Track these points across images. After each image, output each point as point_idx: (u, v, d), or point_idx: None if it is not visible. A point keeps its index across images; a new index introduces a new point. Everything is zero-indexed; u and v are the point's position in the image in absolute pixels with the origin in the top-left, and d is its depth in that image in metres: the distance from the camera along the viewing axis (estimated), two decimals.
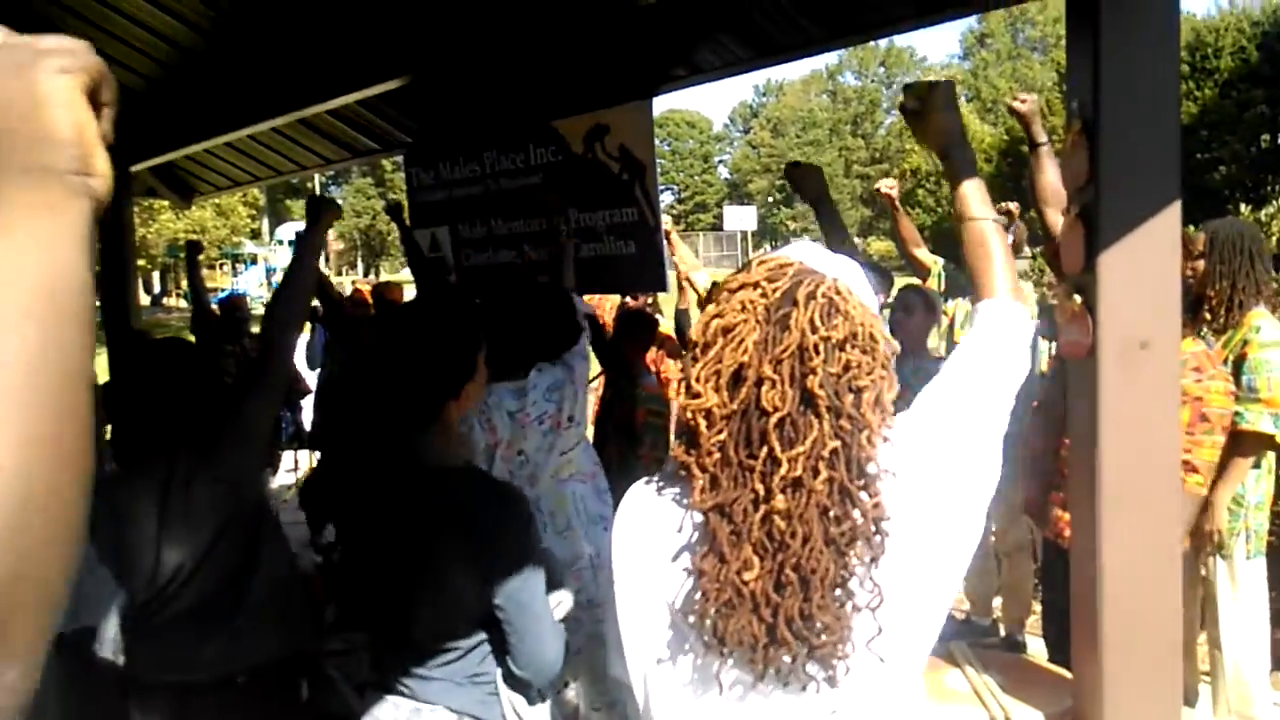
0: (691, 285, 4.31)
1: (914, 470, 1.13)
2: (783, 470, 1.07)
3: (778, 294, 1.13)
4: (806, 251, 1.22)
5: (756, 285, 1.15)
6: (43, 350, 0.47)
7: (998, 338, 1.30)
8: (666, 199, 56.61)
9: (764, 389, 1.09)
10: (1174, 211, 1.76)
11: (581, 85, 3.92)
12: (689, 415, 1.14)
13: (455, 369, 1.73)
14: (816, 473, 1.07)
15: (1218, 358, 2.71)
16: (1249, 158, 27.57)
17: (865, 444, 1.09)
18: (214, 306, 5.54)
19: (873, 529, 1.08)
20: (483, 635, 1.71)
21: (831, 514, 1.08)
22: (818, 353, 1.09)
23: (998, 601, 4.34)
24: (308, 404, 5.98)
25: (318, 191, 41.57)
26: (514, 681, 1.71)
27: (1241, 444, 2.78)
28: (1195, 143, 25.48)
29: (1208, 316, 2.99)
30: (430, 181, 4.76)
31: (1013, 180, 35.65)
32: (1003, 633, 4.16)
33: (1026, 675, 2.12)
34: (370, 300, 5.45)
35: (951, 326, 4.46)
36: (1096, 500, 1.78)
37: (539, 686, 1.74)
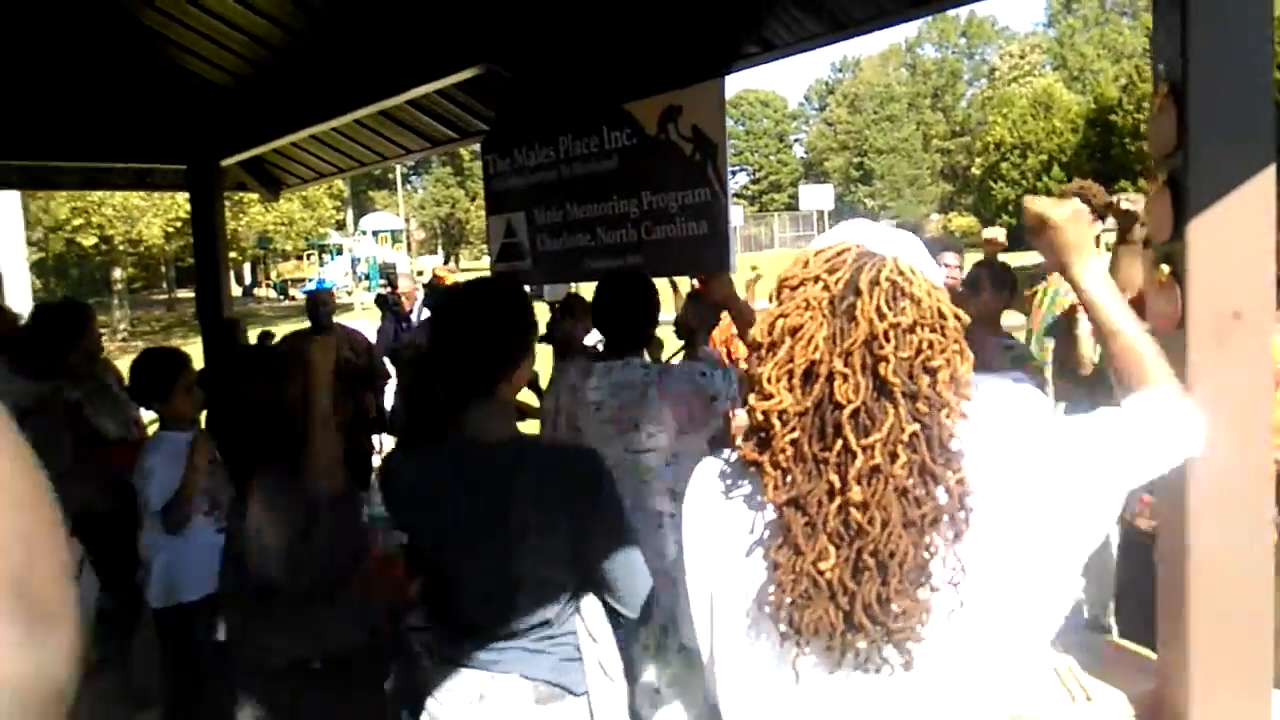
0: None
1: (1018, 470, 1.11)
2: (859, 461, 1.06)
3: (840, 284, 1.12)
4: (862, 231, 1.20)
5: (818, 279, 1.14)
6: None
7: (1167, 423, 1.24)
8: (741, 179, 56.17)
9: (836, 383, 1.09)
10: (1268, 176, 1.69)
11: (653, 66, 3.93)
12: (761, 416, 1.13)
13: (511, 343, 1.76)
14: (895, 457, 1.07)
15: None
16: None
17: (944, 422, 1.08)
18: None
19: (958, 505, 1.07)
20: (559, 601, 1.75)
21: (911, 496, 1.07)
22: (888, 340, 1.08)
23: (1081, 583, 4.23)
24: (390, 388, 6.14)
25: (398, 181, 42.41)
26: (614, 620, 1.76)
27: None
28: None
29: None
30: (506, 168, 4.82)
31: (1100, 150, 34.52)
32: (1086, 614, 4.06)
33: (1107, 655, 2.07)
34: (447, 282, 5.56)
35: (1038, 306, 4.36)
36: (1185, 479, 1.73)
37: (639, 619, 1.80)
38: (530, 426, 3.25)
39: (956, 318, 1.14)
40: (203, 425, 2.73)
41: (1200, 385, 1.71)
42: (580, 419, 2.66)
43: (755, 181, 56.16)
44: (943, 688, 1.15)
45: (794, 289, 1.15)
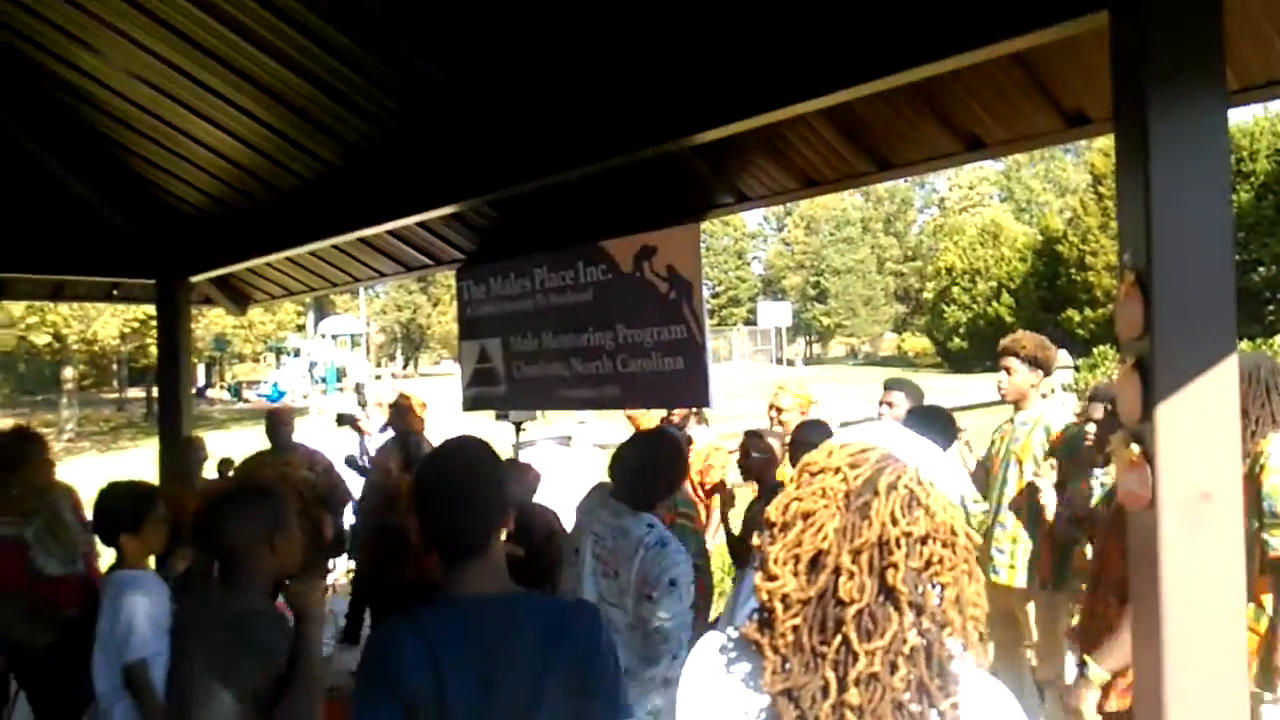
0: None
1: None
2: (860, 665, 1.06)
3: (859, 481, 1.13)
4: (889, 435, 1.22)
5: (837, 470, 1.15)
6: None
7: None
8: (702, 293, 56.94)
9: (842, 579, 1.09)
10: (1232, 361, 1.78)
11: (632, 209, 4.05)
12: (765, 596, 1.13)
13: (501, 499, 1.80)
14: (895, 668, 1.06)
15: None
16: None
17: (945, 642, 1.08)
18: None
19: None
20: None
21: (906, 710, 1.06)
22: (899, 546, 1.08)
23: None
24: (349, 509, 6.02)
25: (361, 287, 42.42)
26: None
27: (1275, 572, 2.72)
28: (1234, 249, 25.48)
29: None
30: (482, 295, 4.88)
31: (1047, 279, 35.80)
32: None
33: None
34: (414, 405, 5.53)
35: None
36: (1161, 654, 1.75)
37: None
38: None
39: (968, 537, 1.16)
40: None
41: (1173, 562, 1.76)
42: (581, 543, 2.67)
43: (715, 296, 57.18)
44: None
45: (813, 475, 1.16)
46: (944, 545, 1.11)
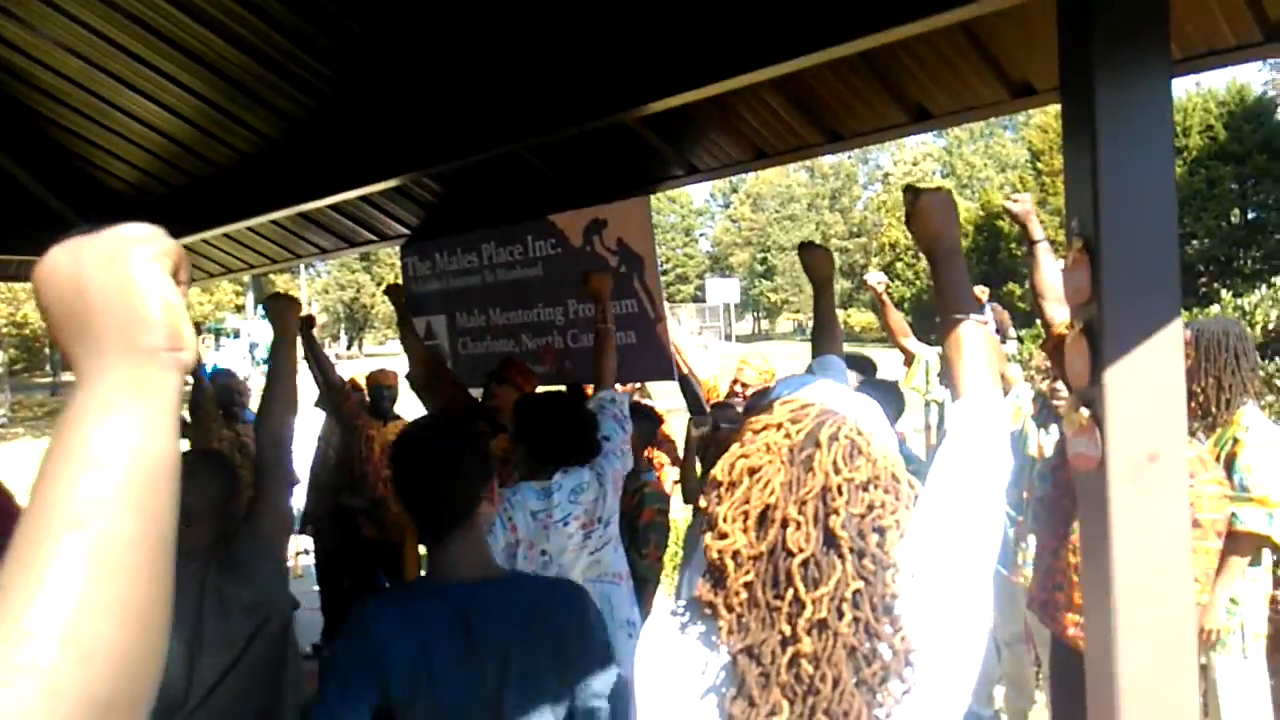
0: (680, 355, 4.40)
1: (925, 591, 1.14)
2: (807, 612, 1.08)
3: (801, 435, 1.16)
4: (827, 392, 1.25)
5: (780, 426, 1.18)
6: (140, 525, 0.51)
7: (970, 439, 1.32)
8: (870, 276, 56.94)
9: (789, 530, 1.11)
10: (1177, 325, 1.81)
11: (580, 183, 4.00)
12: (715, 555, 1.14)
13: (482, 477, 1.79)
14: (841, 614, 1.08)
15: (1210, 458, 2.74)
16: (1220, 232, 28.23)
17: (889, 582, 1.11)
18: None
19: (904, 663, 1.10)
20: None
21: (860, 654, 1.09)
22: (841, 493, 1.11)
23: (999, 690, 4.30)
24: (299, 489, 5.92)
25: (301, 265, 41.65)
26: None
27: (1238, 543, 2.80)
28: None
29: (1197, 414, 3.03)
30: (427, 271, 4.80)
31: (989, 254, 36.45)
32: None
33: None
34: (364, 387, 5.44)
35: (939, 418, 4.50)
36: (1111, 611, 1.79)
37: None
38: None
39: (910, 485, 1.18)
40: None
41: (1121, 523, 1.80)
42: (547, 541, 2.61)
43: (664, 273, 57.22)
44: None
45: (757, 432, 1.18)
46: (885, 491, 1.14)
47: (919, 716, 1.11)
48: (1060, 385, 3.43)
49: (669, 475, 4.40)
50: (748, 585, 1.12)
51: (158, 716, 0.54)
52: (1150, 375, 1.80)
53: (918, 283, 38.55)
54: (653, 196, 3.89)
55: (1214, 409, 2.97)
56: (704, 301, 47.43)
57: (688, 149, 3.61)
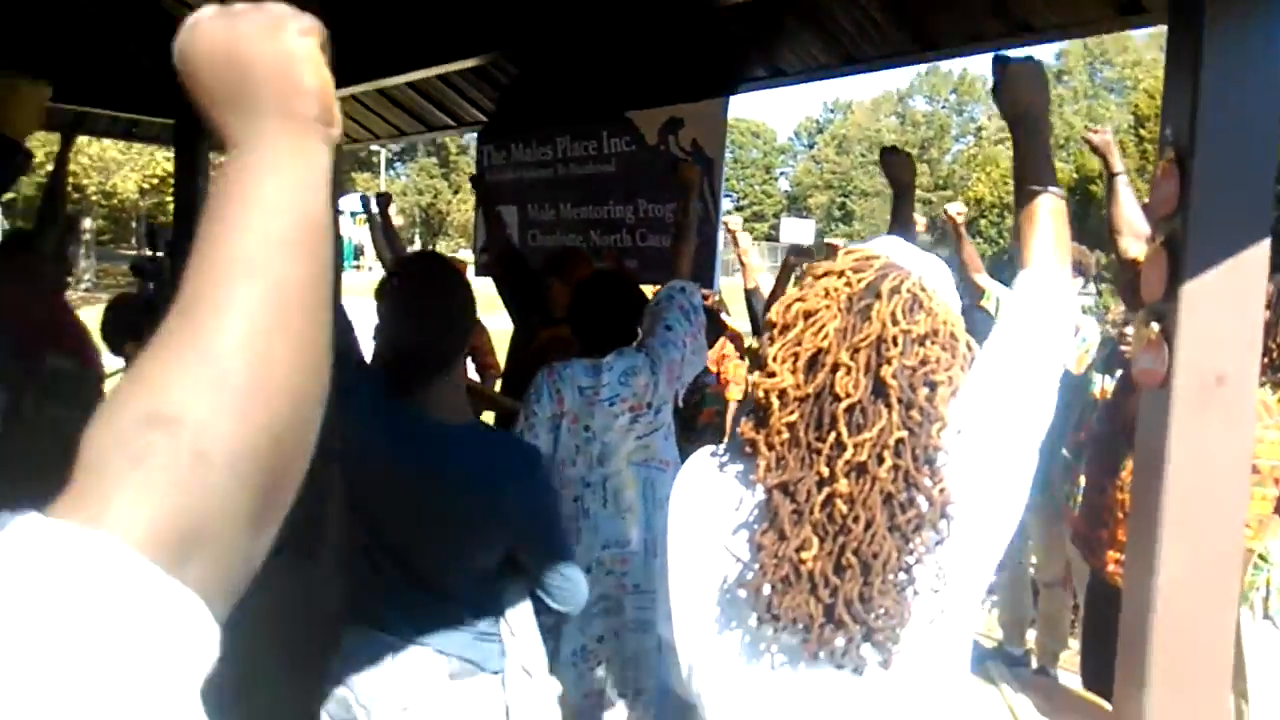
0: (746, 268, 4.40)
1: (969, 449, 1.13)
2: (848, 454, 1.08)
3: (862, 284, 1.15)
4: (894, 247, 1.24)
5: (841, 274, 1.17)
6: (310, 273, 0.55)
7: (1035, 308, 1.29)
8: (725, 205, 56.43)
9: (839, 375, 1.11)
10: (1262, 248, 1.73)
11: (660, 78, 3.93)
12: (761, 394, 1.16)
13: (468, 317, 1.80)
14: (881, 460, 1.09)
15: (1275, 405, 2.63)
16: None
17: (934, 435, 1.11)
18: None
19: (939, 515, 1.10)
20: (483, 584, 1.76)
21: (896, 501, 1.09)
22: (896, 344, 1.11)
23: (1031, 634, 4.28)
24: None
25: (382, 165, 42.05)
26: (544, 614, 1.80)
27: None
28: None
29: (1267, 368, 2.92)
30: (501, 161, 4.80)
31: (1081, 219, 35.09)
32: (1034, 665, 4.10)
33: (1062, 701, 2.10)
34: None
35: None
36: (1157, 532, 1.75)
37: (572, 613, 1.87)
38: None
39: (968, 346, 1.17)
40: None
41: (1181, 445, 1.74)
42: (592, 418, 2.64)
43: (739, 209, 56.55)
44: (917, 687, 1.16)
45: (817, 278, 1.18)
46: (942, 348, 1.13)
47: (949, 569, 1.11)
48: (1129, 330, 3.34)
49: (736, 371, 4.42)
50: (790, 425, 1.13)
51: None
52: (1228, 295, 1.73)
53: (1000, 241, 37.48)
54: (735, 129, 3.81)
55: None
56: (776, 241, 46.82)
57: (773, 49, 3.51)
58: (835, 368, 1.11)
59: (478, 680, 1.74)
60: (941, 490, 1.10)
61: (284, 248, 0.54)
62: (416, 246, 49.53)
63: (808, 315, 1.15)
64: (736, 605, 1.21)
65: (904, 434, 1.09)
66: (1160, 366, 1.76)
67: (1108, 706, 1.96)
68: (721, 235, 4.00)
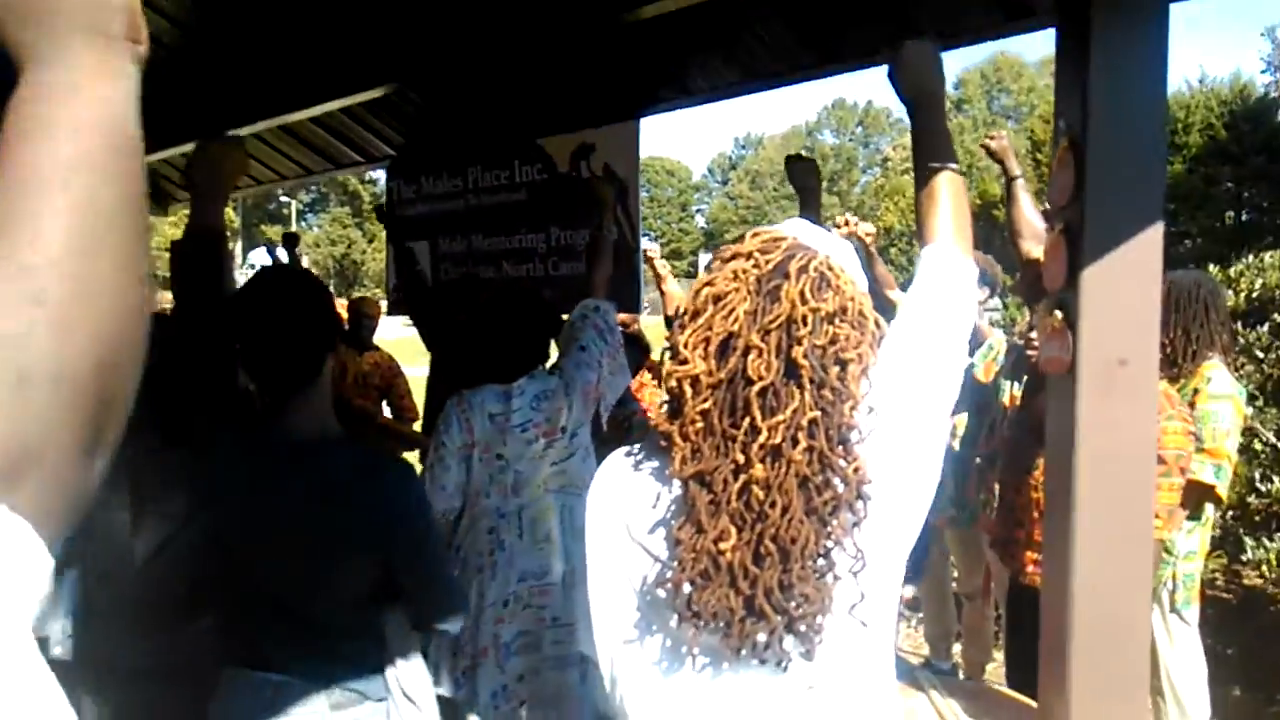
0: (666, 296, 4.40)
1: (882, 427, 1.12)
2: (762, 438, 1.06)
3: (770, 265, 1.13)
4: (800, 228, 1.23)
5: (749, 255, 1.16)
6: (121, 190, 0.53)
7: (939, 281, 1.30)
8: (643, 244, 57.03)
9: (750, 358, 1.09)
10: (1156, 231, 1.78)
11: (570, 103, 3.93)
12: (674, 383, 1.13)
13: (331, 325, 1.75)
14: (796, 442, 1.07)
15: (1176, 396, 2.71)
16: (1215, 233, 28.27)
17: (847, 414, 1.09)
18: None
19: (855, 495, 1.08)
20: (360, 610, 1.70)
21: (812, 484, 1.07)
22: (805, 324, 1.09)
23: (957, 647, 4.31)
24: None
25: (293, 217, 41.41)
26: (425, 629, 1.78)
27: (1191, 494, 2.78)
28: (1164, 216, 26.16)
29: (1164, 364, 3.01)
30: (411, 195, 4.73)
31: (986, 243, 36.30)
32: (962, 677, 4.12)
33: (989, 701, 2.09)
34: (344, 315, 5.38)
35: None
36: (1071, 516, 1.76)
37: (450, 629, 1.81)
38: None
39: (876, 324, 1.16)
40: None
41: (1089, 429, 1.77)
42: (504, 446, 2.56)
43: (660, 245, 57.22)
44: (842, 677, 1.13)
45: (725, 261, 1.16)
46: (852, 326, 1.12)
47: (868, 551, 1.09)
48: (1035, 335, 3.42)
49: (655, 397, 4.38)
50: (704, 413, 1.10)
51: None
52: (1126, 279, 1.76)
53: (909, 268, 38.52)
54: (651, 168, 3.85)
55: (1180, 360, 2.96)
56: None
57: (681, 69, 3.55)
58: (747, 350, 1.09)
59: (362, 709, 1.67)
60: (856, 470, 1.08)
61: (95, 168, 0.52)
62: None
63: (717, 299, 1.13)
64: (657, 608, 1.17)
65: (817, 414, 1.08)
66: (1065, 354, 1.79)
67: (1034, 704, 1.96)
68: (642, 264, 3.99)
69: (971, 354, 3.78)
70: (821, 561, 1.08)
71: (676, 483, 1.14)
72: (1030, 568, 2.71)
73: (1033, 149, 34.72)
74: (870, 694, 1.15)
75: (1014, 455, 2.92)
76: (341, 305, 5.46)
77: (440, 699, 1.81)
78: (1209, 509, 2.95)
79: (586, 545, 1.24)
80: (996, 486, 3.47)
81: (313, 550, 1.63)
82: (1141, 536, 1.82)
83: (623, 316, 4.68)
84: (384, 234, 4.87)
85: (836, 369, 1.10)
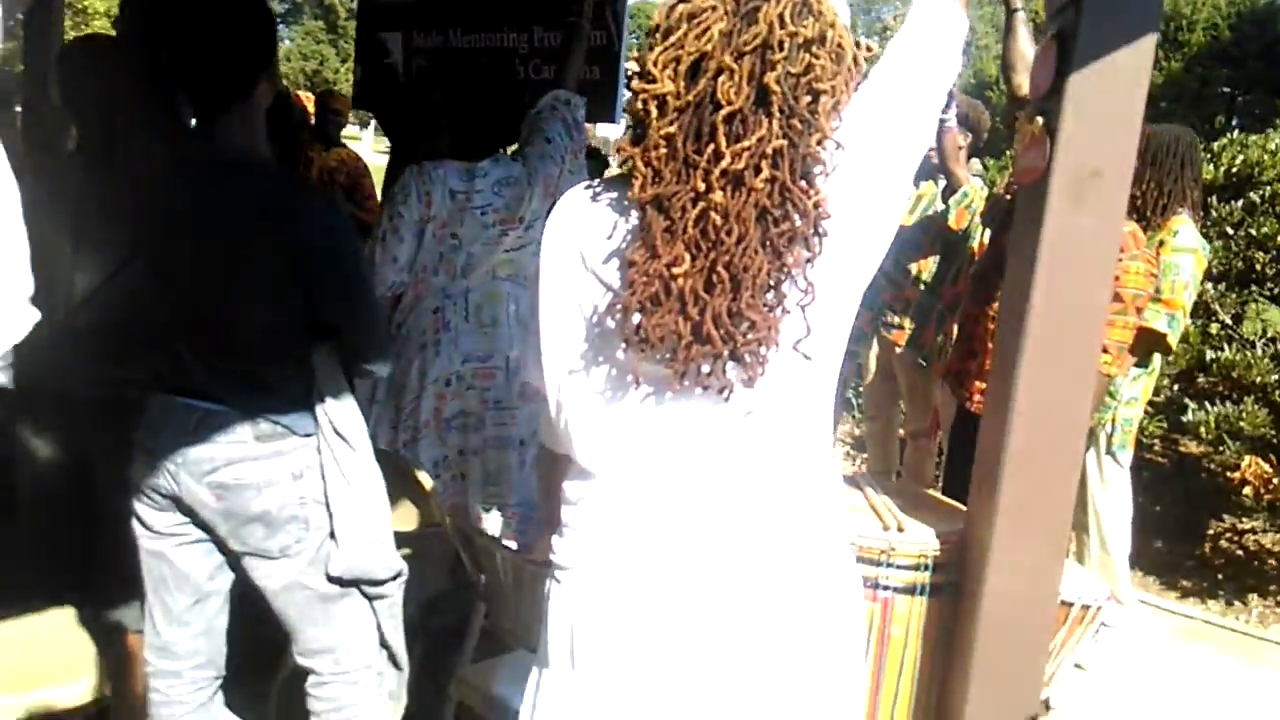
0: None
1: (847, 165, 1.11)
2: (724, 164, 1.04)
3: None
4: None
5: None
6: None
7: (926, 31, 1.27)
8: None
9: (721, 80, 1.06)
10: (1149, 42, 1.74)
11: None
12: (640, 104, 1.11)
13: (262, 45, 1.66)
14: (758, 170, 1.05)
15: (1142, 236, 2.72)
16: (1204, 134, 27.96)
17: (814, 146, 1.07)
18: None
19: (812, 230, 1.07)
20: (284, 342, 1.69)
21: (770, 215, 1.06)
22: (781, 49, 1.06)
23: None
24: None
25: None
26: (353, 370, 1.76)
27: (1139, 342, 2.84)
28: (1155, 112, 25.82)
29: (1134, 216, 3.01)
30: None
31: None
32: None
33: (923, 502, 2.17)
34: (311, 109, 5.20)
35: None
36: (1024, 327, 1.78)
37: (377, 370, 1.82)
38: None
39: (855, 60, 1.13)
40: None
41: (1052, 238, 1.77)
42: (460, 225, 2.52)
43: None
44: (781, 406, 1.15)
45: None
46: (830, 56, 1.09)
47: (819, 285, 1.09)
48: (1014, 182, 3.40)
49: None
50: (668, 138, 1.08)
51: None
52: (1112, 88, 1.73)
53: None
54: (642, 13, 3.61)
55: (1150, 213, 2.98)
56: None
57: None
58: (718, 72, 1.06)
59: (289, 442, 1.68)
60: (816, 205, 1.07)
61: None
62: None
63: (691, 17, 1.08)
64: (605, 337, 1.18)
65: (783, 143, 1.06)
66: (1040, 162, 1.77)
67: (963, 507, 2.04)
68: (623, 77, 3.86)
69: (945, 200, 3.76)
70: (771, 295, 1.08)
71: (634, 212, 1.12)
72: (978, 397, 2.78)
73: (1036, 31, 33.77)
74: (806, 425, 1.18)
75: (978, 286, 2.95)
76: (308, 99, 5.28)
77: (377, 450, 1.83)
78: (1156, 359, 3.02)
79: (540, 276, 1.24)
80: (955, 328, 3.52)
81: (234, 270, 1.61)
82: (1087, 360, 1.85)
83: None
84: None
85: (808, 99, 1.07)
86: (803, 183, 1.07)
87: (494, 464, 2.62)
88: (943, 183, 3.83)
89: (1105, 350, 2.65)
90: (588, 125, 4.67)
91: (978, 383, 2.81)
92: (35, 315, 0.48)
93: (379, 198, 4.81)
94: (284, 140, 4.86)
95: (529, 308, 1.28)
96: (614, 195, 1.17)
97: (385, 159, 4.10)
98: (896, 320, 3.88)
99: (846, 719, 1.26)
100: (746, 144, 1.04)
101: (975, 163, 5.90)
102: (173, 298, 1.65)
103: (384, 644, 1.87)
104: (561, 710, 1.23)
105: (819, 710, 1.21)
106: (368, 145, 26.69)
